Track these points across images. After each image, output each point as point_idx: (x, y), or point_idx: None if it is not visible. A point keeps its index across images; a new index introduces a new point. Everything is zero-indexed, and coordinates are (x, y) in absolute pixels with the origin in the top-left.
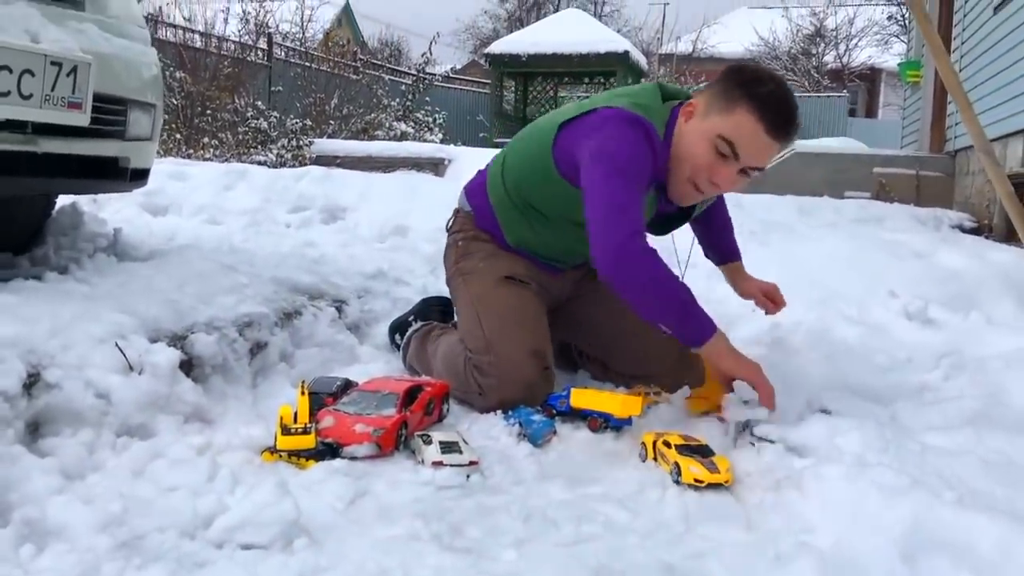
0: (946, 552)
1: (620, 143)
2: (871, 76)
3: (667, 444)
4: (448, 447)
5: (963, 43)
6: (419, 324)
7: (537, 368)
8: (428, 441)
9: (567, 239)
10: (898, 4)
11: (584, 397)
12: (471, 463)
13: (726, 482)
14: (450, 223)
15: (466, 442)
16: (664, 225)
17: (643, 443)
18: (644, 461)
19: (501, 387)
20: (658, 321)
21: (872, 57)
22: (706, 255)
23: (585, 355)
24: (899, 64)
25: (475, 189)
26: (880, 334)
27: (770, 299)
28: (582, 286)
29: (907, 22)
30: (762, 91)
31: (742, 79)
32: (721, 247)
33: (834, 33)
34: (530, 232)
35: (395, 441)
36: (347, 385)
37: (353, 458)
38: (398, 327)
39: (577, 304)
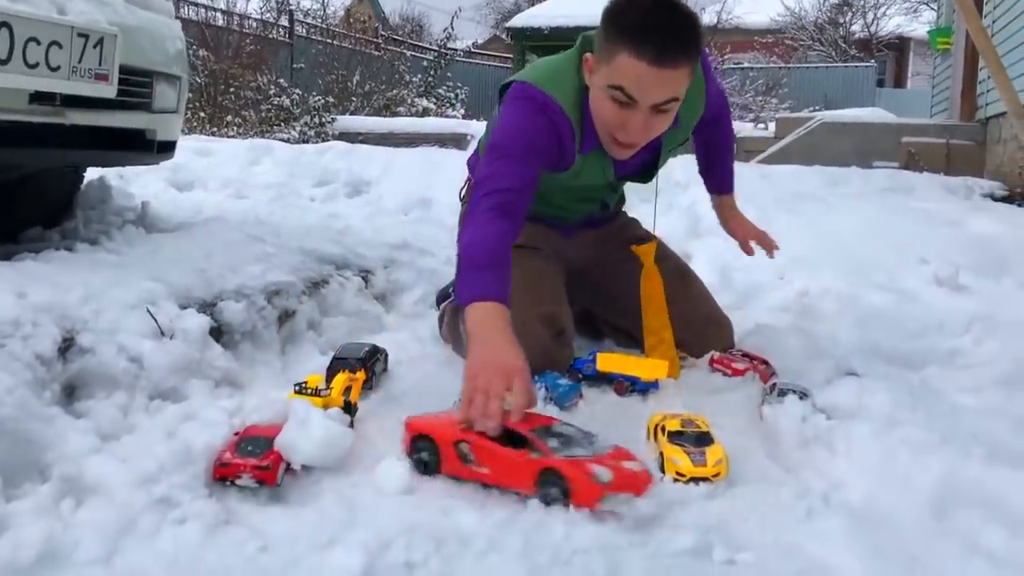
0: (977, 507)
1: (506, 126)
2: (899, 45)
3: (662, 430)
4: None
5: (995, 7)
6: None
7: (549, 333)
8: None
9: (561, 197)
10: None
11: (610, 361)
12: None
13: (714, 476)
14: (462, 191)
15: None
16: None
17: (647, 425)
18: (648, 441)
19: None
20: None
21: (901, 26)
22: (703, 180)
23: (610, 324)
24: (929, 31)
25: (474, 157)
26: (910, 300)
27: (760, 244)
28: (604, 254)
29: None
30: (628, 22)
31: (611, 16)
32: (713, 172)
33: (862, 2)
34: None
35: None
36: (374, 351)
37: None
38: (443, 295)
39: (600, 273)
